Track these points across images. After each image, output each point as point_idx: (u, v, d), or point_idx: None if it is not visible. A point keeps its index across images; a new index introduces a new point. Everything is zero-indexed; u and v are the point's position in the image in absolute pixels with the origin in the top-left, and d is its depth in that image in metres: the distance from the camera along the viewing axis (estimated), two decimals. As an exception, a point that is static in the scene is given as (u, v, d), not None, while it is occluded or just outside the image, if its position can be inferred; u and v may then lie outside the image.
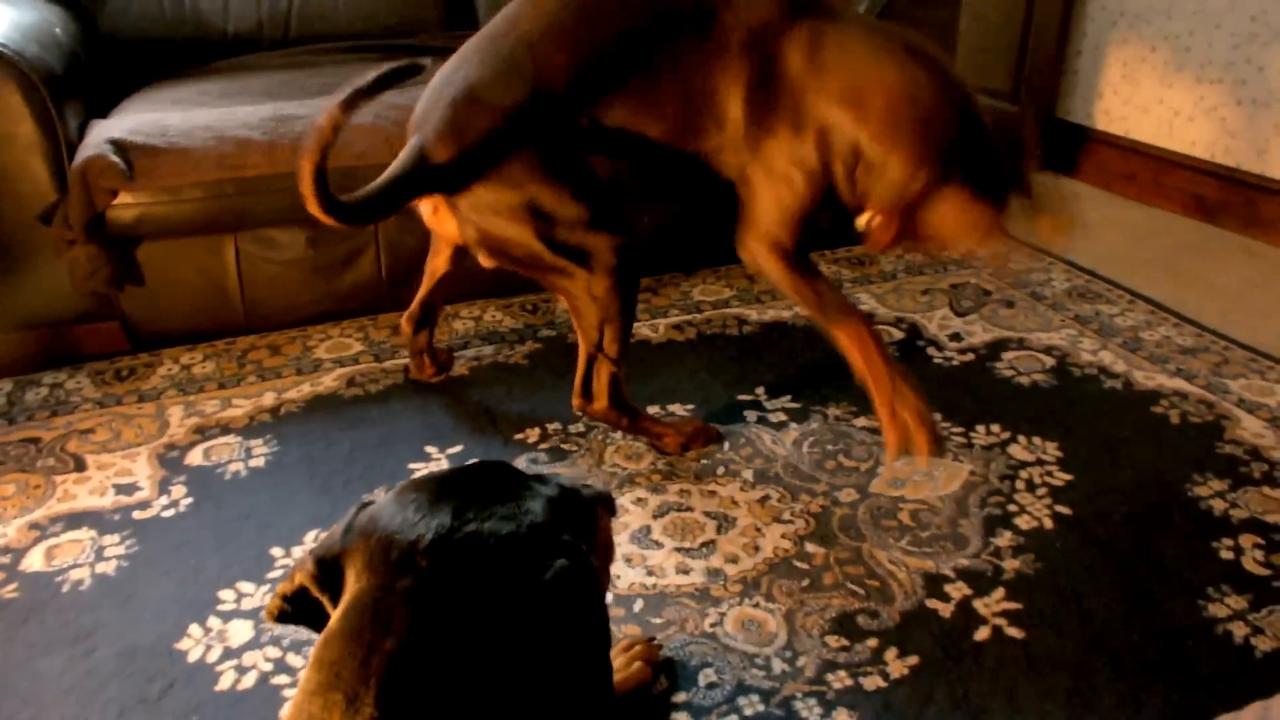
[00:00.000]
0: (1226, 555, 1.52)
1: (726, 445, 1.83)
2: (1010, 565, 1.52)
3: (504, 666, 0.80)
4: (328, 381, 2.06)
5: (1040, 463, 1.77)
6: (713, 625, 1.41)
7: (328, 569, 0.89)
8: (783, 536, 1.59)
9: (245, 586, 1.50)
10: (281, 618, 0.93)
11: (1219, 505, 1.64)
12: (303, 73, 2.46)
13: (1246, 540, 1.55)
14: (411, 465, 1.78)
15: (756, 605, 1.44)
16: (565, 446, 1.82)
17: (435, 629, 0.80)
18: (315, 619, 0.91)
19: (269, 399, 2.00)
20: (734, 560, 1.54)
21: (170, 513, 1.67)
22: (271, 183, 2.09)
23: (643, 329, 2.25)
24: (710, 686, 1.31)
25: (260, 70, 2.50)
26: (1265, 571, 1.49)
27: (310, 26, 2.68)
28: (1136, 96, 3.09)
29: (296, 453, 1.82)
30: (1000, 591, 1.46)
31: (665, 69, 1.59)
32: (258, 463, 1.80)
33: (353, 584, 0.85)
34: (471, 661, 0.79)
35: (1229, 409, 1.91)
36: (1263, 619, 1.40)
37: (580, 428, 1.88)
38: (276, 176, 2.08)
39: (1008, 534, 1.58)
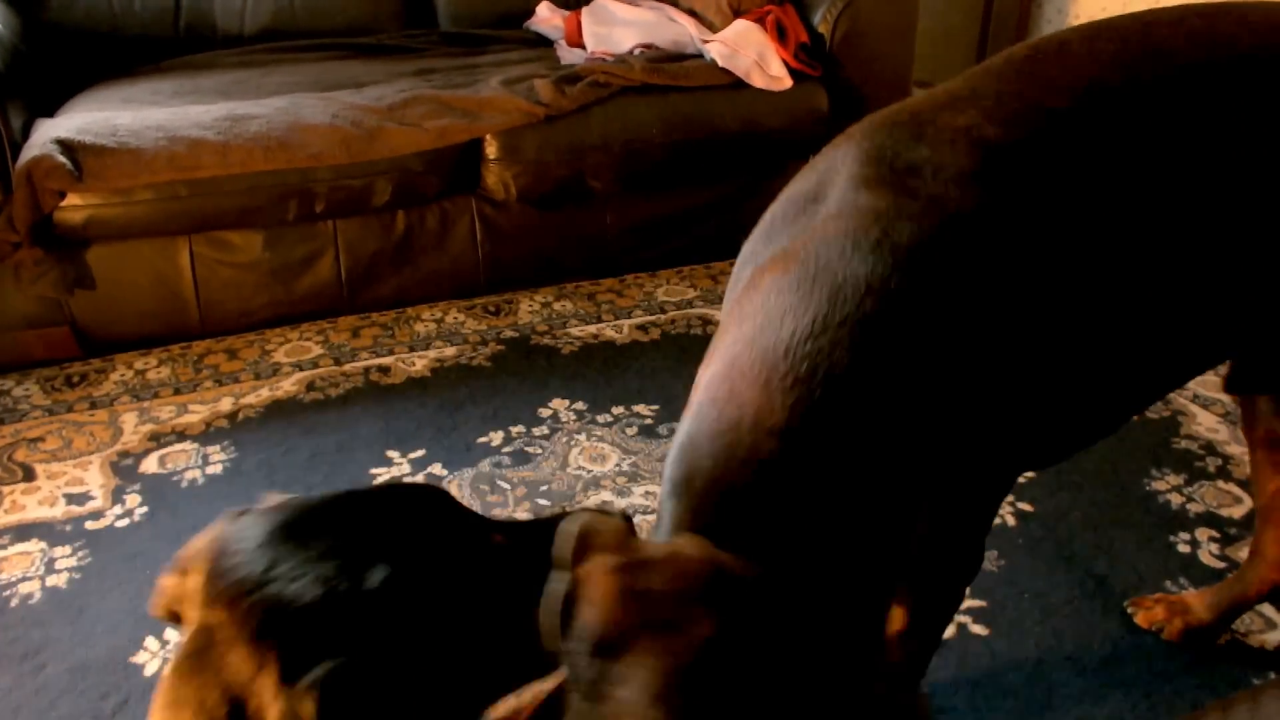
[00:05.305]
0: (1183, 549, 1.54)
1: (691, 446, 1.82)
2: (973, 563, 1.53)
3: None
4: (286, 386, 2.03)
5: (1001, 460, 1.78)
6: (679, 628, 1.40)
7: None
8: (748, 538, 1.58)
9: (202, 597, 1.47)
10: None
11: (1175, 500, 1.66)
12: (258, 71, 2.42)
13: (1202, 534, 1.57)
14: (373, 470, 1.76)
15: (722, 607, 1.44)
16: (529, 450, 1.81)
17: None
18: None
19: (226, 404, 1.96)
20: (699, 562, 1.53)
21: (124, 522, 1.63)
22: (225, 184, 2.05)
23: (607, 330, 2.24)
24: (677, 691, 1.30)
25: (214, 69, 2.45)
26: (1221, 565, 1.51)
27: (266, 24, 2.63)
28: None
29: (254, 459, 1.79)
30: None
31: None
32: (215, 470, 1.76)
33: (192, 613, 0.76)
34: None
35: (1184, 404, 1.94)
36: (1219, 612, 1.42)
37: (544, 430, 1.86)
38: (230, 178, 2.05)
39: (970, 532, 1.59)
